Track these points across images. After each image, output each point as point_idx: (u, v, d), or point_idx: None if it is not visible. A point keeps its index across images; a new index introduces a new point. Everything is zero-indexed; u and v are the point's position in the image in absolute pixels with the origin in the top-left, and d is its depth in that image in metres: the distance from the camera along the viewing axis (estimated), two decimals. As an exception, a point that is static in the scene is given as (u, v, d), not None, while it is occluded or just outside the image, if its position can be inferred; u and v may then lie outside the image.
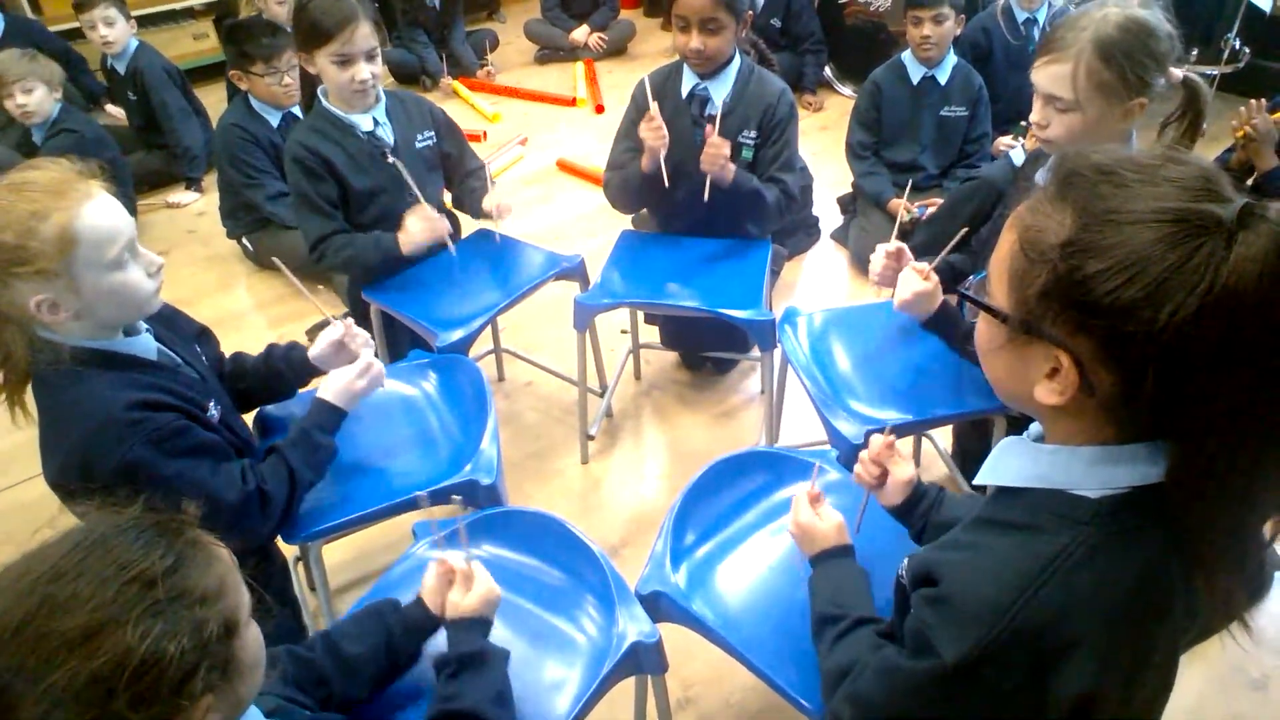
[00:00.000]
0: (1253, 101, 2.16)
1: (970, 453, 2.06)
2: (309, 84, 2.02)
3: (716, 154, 1.98)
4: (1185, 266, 0.60)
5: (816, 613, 1.06)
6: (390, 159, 1.98)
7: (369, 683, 1.11)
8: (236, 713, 0.80)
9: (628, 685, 1.30)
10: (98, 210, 1.14)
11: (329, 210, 1.97)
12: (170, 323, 1.43)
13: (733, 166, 2.03)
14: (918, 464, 2.19)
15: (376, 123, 1.99)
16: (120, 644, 0.68)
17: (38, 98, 3.12)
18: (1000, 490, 0.78)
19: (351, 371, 1.49)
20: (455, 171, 2.21)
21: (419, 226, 1.98)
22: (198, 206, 3.60)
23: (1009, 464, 0.77)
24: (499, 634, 1.22)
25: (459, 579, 1.12)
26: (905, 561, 0.85)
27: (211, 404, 1.35)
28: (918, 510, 1.14)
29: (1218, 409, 0.62)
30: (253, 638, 0.81)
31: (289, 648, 1.08)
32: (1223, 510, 0.66)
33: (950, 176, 2.94)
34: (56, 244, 1.10)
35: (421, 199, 1.97)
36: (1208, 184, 0.63)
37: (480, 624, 1.10)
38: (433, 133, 2.11)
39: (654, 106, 2.01)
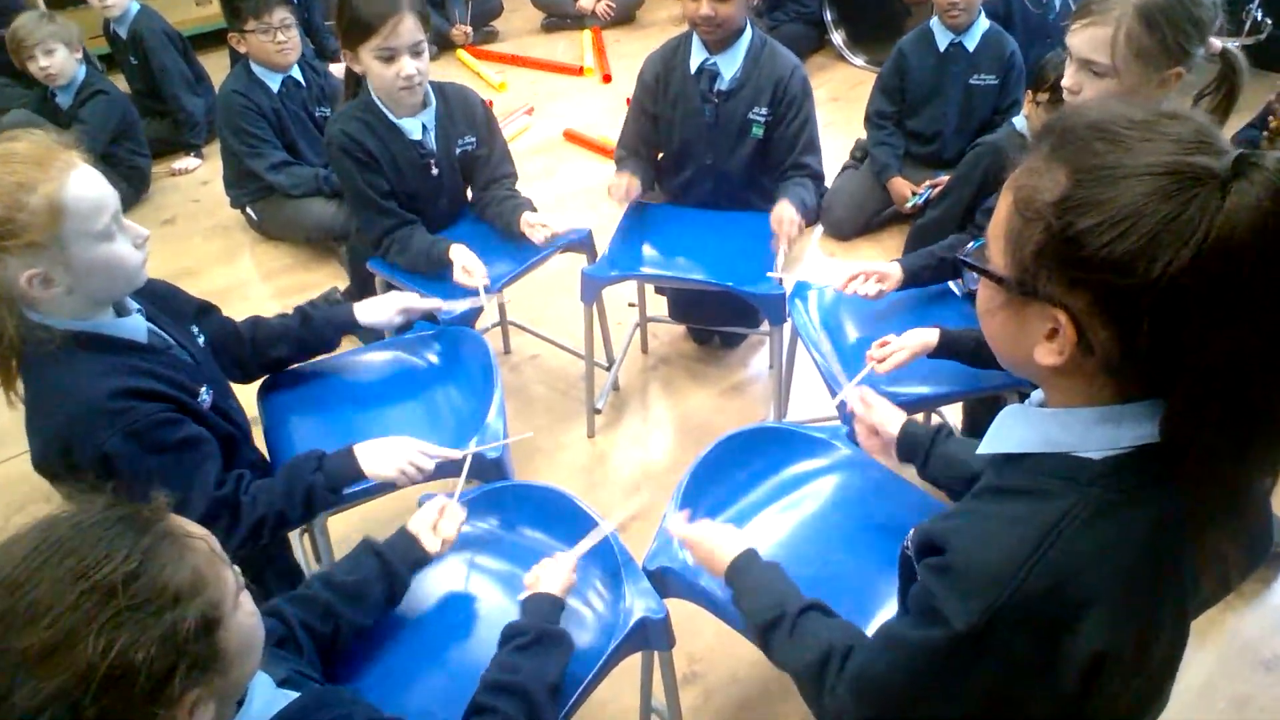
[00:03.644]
0: None
1: (982, 430, 2.04)
2: (353, 78, 1.94)
3: (794, 229, 1.92)
4: (1179, 218, 0.59)
5: (755, 626, 1.04)
6: (435, 172, 1.95)
7: (374, 608, 1.14)
8: (234, 695, 0.79)
9: (634, 660, 1.29)
10: (83, 180, 1.13)
11: (385, 205, 1.91)
12: (165, 302, 1.41)
13: (798, 217, 1.92)
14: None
15: (425, 128, 1.93)
16: (81, 659, 0.64)
17: (59, 59, 3.15)
18: (1004, 458, 0.78)
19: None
20: (483, 172, 2.09)
21: (463, 263, 1.88)
22: (202, 175, 3.57)
23: (1011, 431, 0.77)
24: (503, 607, 1.22)
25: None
26: (910, 533, 0.85)
27: (204, 389, 1.32)
28: (918, 453, 1.19)
29: (1211, 362, 0.62)
30: (240, 623, 0.77)
31: (289, 595, 1.08)
32: (1215, 468, 0.65)
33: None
34: (46, 215, 1.08)
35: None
36: (1202, 138, 0.62)
37: (560, 606, 1.13)
38: (474, 137, 2.04)
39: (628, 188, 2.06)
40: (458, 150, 2.01)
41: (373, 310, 1.66)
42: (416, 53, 1.80)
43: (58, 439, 1.16)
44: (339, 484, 1.34)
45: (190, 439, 1.25)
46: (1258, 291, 0.59)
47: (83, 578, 0.67)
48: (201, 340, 1.46)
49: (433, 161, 1.96)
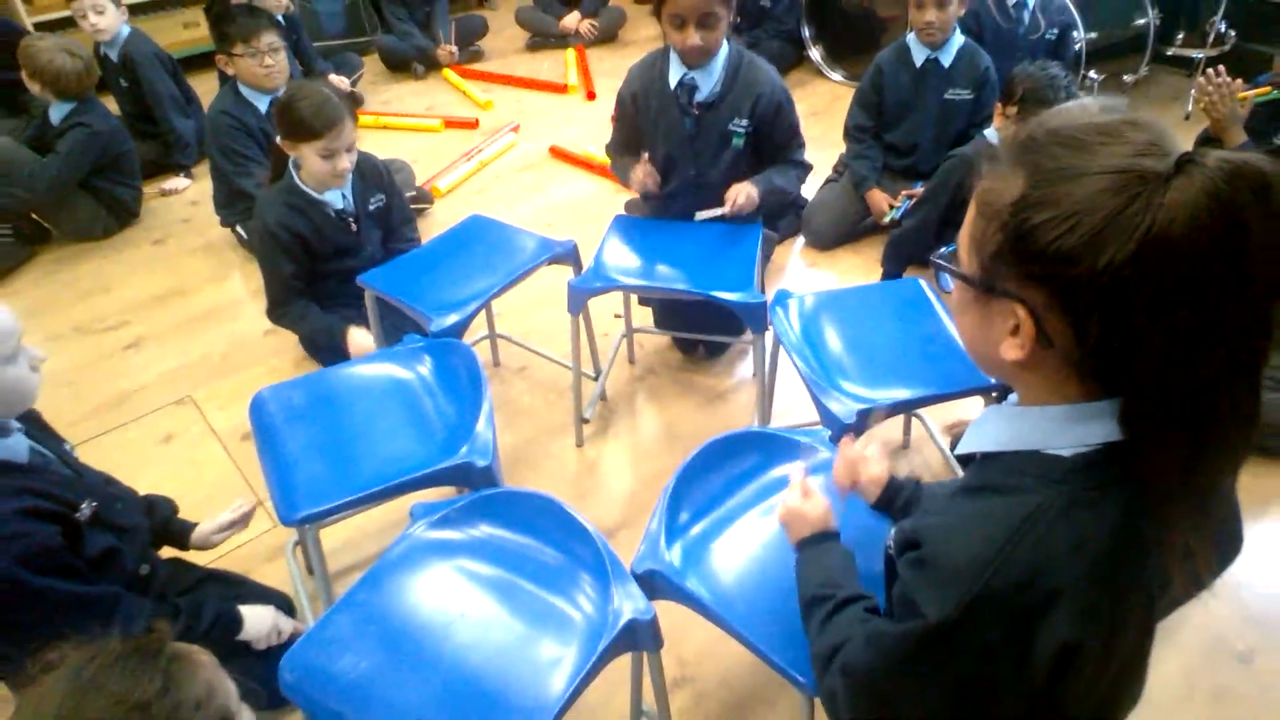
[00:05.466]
0: (1209, 71, 2.14)
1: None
2: (280, 156, 2.20)
3: (743, 196, 2.08)
4: (1123, 214, 0.62)
5: (804, 596, 1.07)
6: (354, 228, 2.28)
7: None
8: None
9: (624, 664, 1.31)
10: None
11: (293, 283, 2.25)
12: (39, 419, 1.46)
13: (756, 190, 2.11)
14: (907, 444, 2.23)
15: (344, 198, 2.24)
16: None
17: (110, 17, 3.34)
18: (981, 459, 0.80)
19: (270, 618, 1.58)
20: (390, 220, 2.42)
21: (356, 347, 2.21)
22: (191, 195, 3.59)
23: (987, 430, 0.79)
24: (494, 612, 1.24)
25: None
26: (892, 532, 0.87)
27: (84, 504, 1.36)
28: (896, 503, 1.19)
29: (1156, 355, 0.64)
30: (247, 717, 0.91)
31: None
32: (1170, 463, 0.67)
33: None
34: None
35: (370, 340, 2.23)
36: (1155, 143, 0.65)
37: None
38: (383, 195, 2.35)
39: (644, 159, 2.16)
40: (371, 208, 2.33)
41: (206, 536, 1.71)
42: (350, 149, 2.12)
43: None
44: (218, 636, 1.50)
45: (75, 568, 1.31)
46: (1195, 284, 0.62)
47: (121, 701, 0.78)
48: (74, 454, 1.51)
49: (351, 220, 2.28)
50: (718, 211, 2.13)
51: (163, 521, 1.67)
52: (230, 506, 1.72)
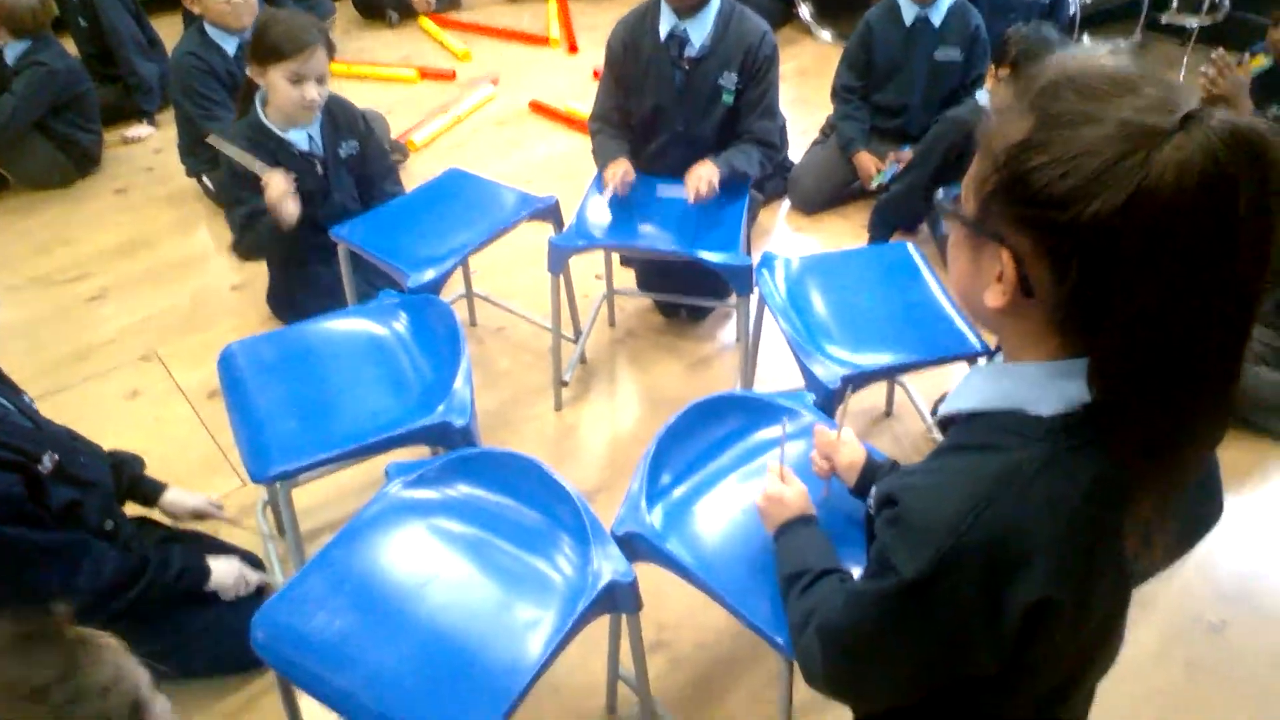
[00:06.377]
0: (1216, 56, 2.13)
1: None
2: (248, 92, 2.14)
3: (704, 185, 1.99)
4: (1119, 165, 0.61)
5: (783, 575, 1.07)
6: (320, 171, 2.17)
7: None
8: None
9: (600, 629, 1.30)
10: None
11: (247, 210, 2.12)
12: None
13: (717, 175, 2.02)
14: (890, 412, 2.23)
15: (310, 139, 2.15)
16: None
17: None
18: (965, 417, 0.79)
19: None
20: (368, 171, 2.30)
21: (274, 198, 2.04)
22: (155, 143, 3.46)
23: (969, 390, 0.79)
24: (471, 573, 1.21)
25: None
26: (872, 491, 0.86)
27: (45, 456, 1.33)
28: (872, 486, 1.16)
29: (1133, 312, 0.63)
30: (163, 706, 0.83)
31: None
32: (1135, 427, 0.67)
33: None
34: None
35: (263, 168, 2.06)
36: (1165, 100, 0.63)
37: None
38: (357, 142, 2.25)
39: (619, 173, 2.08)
40: (343, 154, 2.23)
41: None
42: (320, 80, 2.04)
43: None
44: (186, 586, 1.50)
45: (37, 515, 1.29)
46: (1178, 244, 0.61)
47: (14, 688, 0.72)
48: (33, 405, 1.48)
49: (318, 163, 2.18)
50: (681, 194, 2.05)
51: (131, 479, 1.63)
52: (211, 499, 1.72)
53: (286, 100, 2.03)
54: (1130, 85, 0.65)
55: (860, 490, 1.19)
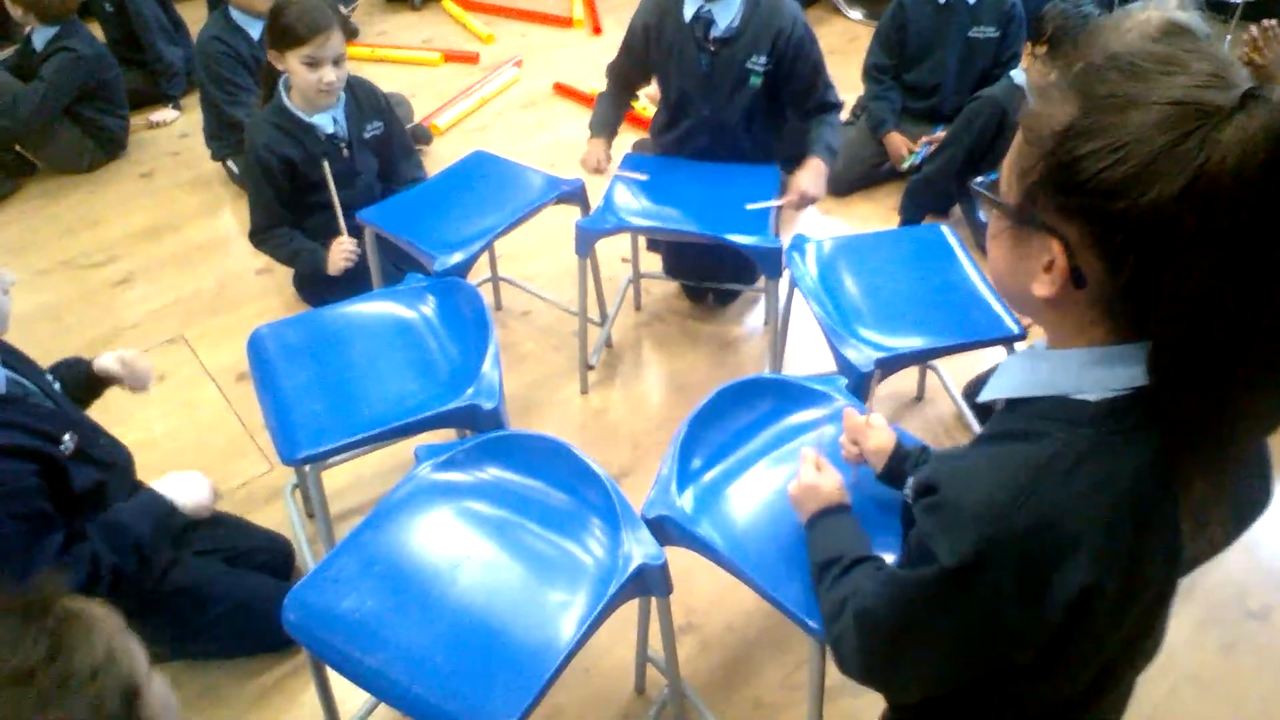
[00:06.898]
0: (1267, 24, 2.06)
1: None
2: (271, 77, 2.13)
3: (813, 193, 2.00)
4: (1177, 149, 0.58)
5: (814, 563, 1.06)
6: (346, 154, 2.19)
7: None
8: None
9: (630, 613, 1.29)
10: None
11: (277, 209, 2.18)
12: (14, 351, 1.39)
13: (823, 178, 2.02)
14: (921, 396, 2.19)
15: (335, 122, 2.15)
16: None
17: None
18: (1006, 404, 0.78)
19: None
20: (390, 152, 2.32)
21: (337, 257, 2.16)
22: (181, 127, 3.47)
23: (1011, 376, 0.77)
24: (501, 555, 1.21)
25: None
26: (910, 481, 0.85)
27: (66, 436, 1.31)
28: (902, 472, 1.15)
29: (1192, 298, 0.61)
30: (157, 690, 0.75)
31: None
32: (1194, 412, 0.65)
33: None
34: None
35: (343, 228, 2.11)
36: (1219, 75, 0.61)
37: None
38: (380, 123, 2.25)
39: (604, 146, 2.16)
40: (366, 135, 2.23)
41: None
42: (338, 63, 2.04)
43: None
44: (157, 524, 1.39)
45: (45, 513, 1.26)
46: (1243, 227, 0.58)
47: None
48: (57, 386, 1.44)
49: (344, 145, 2.19)
50: (774, 204, 1.98)
51: (73, 380, 1.54)
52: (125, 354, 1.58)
53: (305, 84, 2.04)
54: (1177, 61, 0.62)
55: (887, 476, 1.17)
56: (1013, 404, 0.76)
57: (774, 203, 1.98)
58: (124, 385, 1.58)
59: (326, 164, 2.06)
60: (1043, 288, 0.68)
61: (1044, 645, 0.71)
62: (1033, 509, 0.67)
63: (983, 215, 1.02)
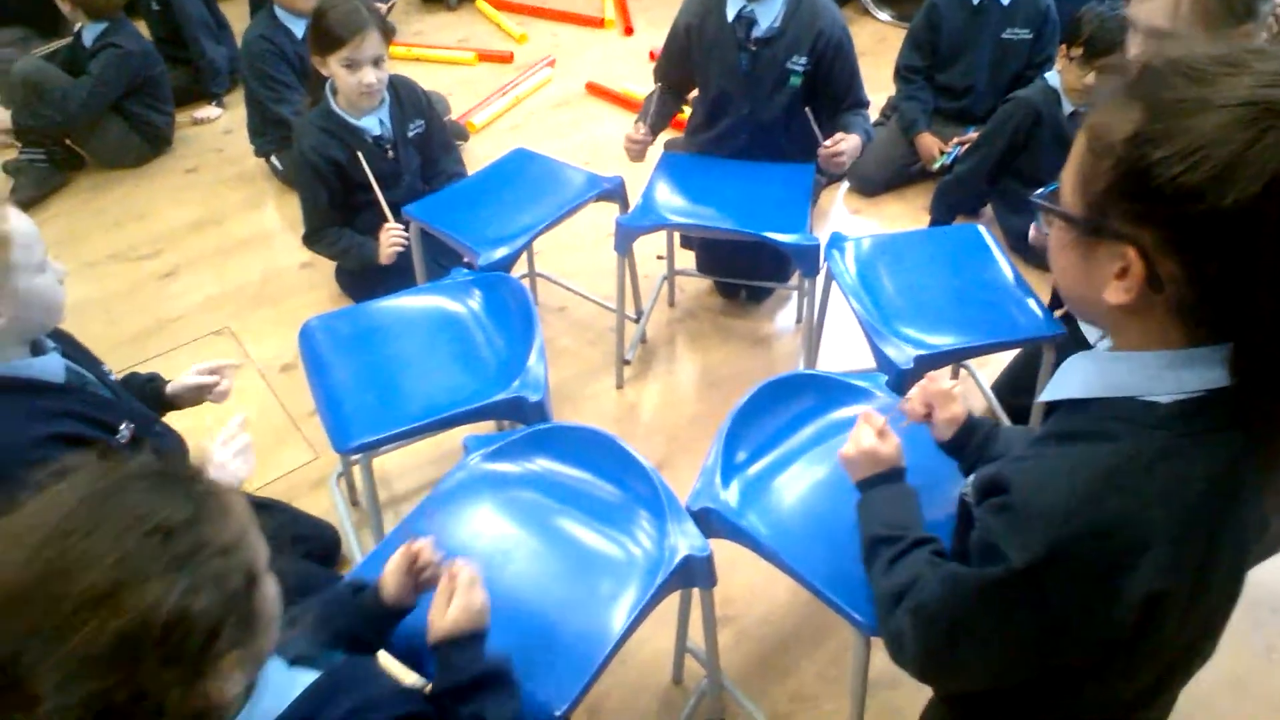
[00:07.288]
0: None
1: (1021, 388, 2.00)
2: (318, 81, 2.17)
3: (837, 159, 2.02)
4: (1252, 150, 0.59)
5: (869, 535, 1.04)
6: (391, 155, 2.23)
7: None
8: (258, 667, 0.76)
9: (665, 603, 1.31)
10: (16, 214, 1.15)
11: (329, 211, 2.22)
12: (73, 341, 1.42)
13: (847, 156, 2.04)
14: (955, 395, 2.20)
15: (381, 124, 2.20)
16: (144, 600, 0.63)
17: None
18: (1069, 404, 0.77)
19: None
20: (431, 149, 2.37)
21: (386, 244, 2.16)
22: (225, 124, 3.55)
23: (1076, 376, 0.77)
24: (549, 544, 1.24)
25: (440, 586, 1.02)
26: (969, 480, 0.85)
27: (123, 425, 1.33)
28: (969, 445, 1.13)
29: (1277, 298, 0.62)
30: (270, 586, 0.76)
31: None
32: None
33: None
34: None
35: (389, 214, 2.13)
36: None
37: (471, 640, 0.97)
38: (422, 121, 2.30)
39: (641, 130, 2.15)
40: (410, 134, 2.27)
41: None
42: (377, 63, 2.07)
43: None
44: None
45: None
46: None
47: (142, 520, 0.66)
48: (112, 376, 1.46)
49: (389, 147, 2.23)
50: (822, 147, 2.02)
51: (142, 390, 1.55)
52: (208, 366, 1.56)
53: (347, 87, 2.07)
54: (1239, 62, 0.63)
55: (950, 446, 1.14)
56: (1078, 403, 0.76)
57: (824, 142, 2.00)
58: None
59: (363, 158, 2.11)
60: (1116, 295, 0.68)
61: (1106, 648, 0.72)
62: (1105, 512, 0.67)
63: (1044, 226, 1.04)
